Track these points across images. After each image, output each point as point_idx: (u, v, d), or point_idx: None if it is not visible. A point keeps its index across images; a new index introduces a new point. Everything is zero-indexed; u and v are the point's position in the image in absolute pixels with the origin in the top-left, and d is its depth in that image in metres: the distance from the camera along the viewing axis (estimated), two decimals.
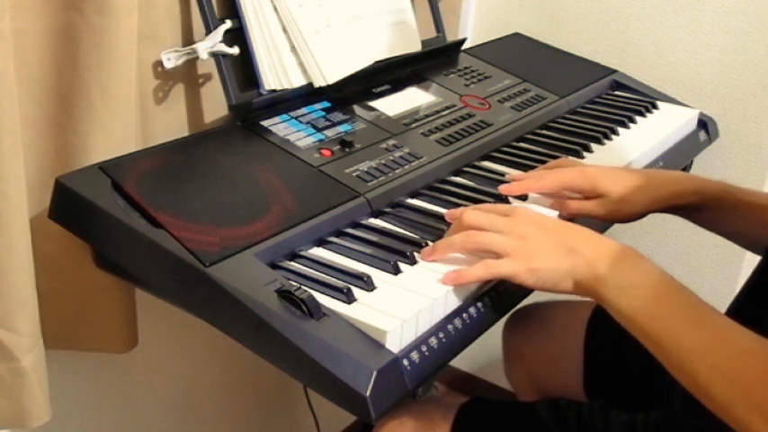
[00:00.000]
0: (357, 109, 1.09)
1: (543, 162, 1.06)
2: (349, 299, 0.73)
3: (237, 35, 0.98)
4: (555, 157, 1.07)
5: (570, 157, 1.07)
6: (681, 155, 1.28)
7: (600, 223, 0.97)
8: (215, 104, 1.04)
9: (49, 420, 0.89)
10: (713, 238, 1.05)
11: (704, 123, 1.37)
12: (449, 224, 0.86)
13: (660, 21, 1.44)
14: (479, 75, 1.31)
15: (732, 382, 0.67)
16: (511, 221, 0.79)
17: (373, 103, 1.12)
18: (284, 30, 1.03)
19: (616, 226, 1.04)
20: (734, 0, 1.36)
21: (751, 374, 0.66)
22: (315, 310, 0.70)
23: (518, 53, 1.47)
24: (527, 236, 0.77)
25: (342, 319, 0.71)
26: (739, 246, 1.04)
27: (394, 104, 1.13)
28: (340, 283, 0.75)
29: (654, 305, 0.72)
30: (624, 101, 1.37)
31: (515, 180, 0.97)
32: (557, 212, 0.94)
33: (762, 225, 0.96)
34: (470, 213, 0.81)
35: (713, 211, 0.98)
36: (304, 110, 1.05)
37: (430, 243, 0.83)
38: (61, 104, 0.86)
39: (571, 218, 0.94)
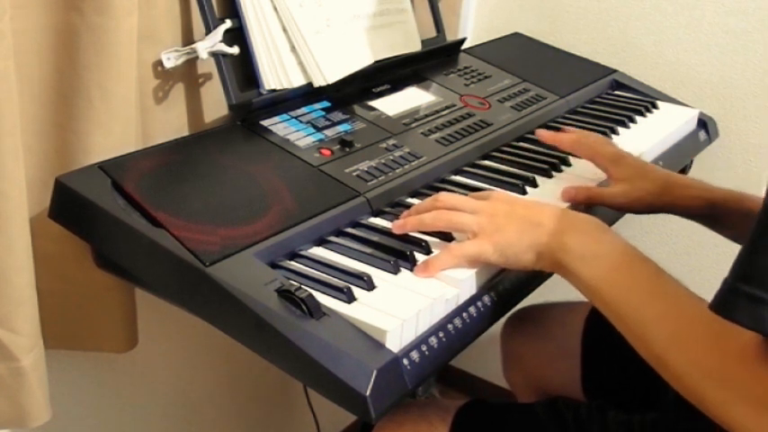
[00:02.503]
0: (357, 109, 1.09)
1: (543, 162, 1.06)
2: (349, 298, 0.73)
3: (237, 35, 0.98)
4: (555, 157, 1.07)
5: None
6: (681, 154, 1.28)
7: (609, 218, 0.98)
8: (215, 104, 1.04)
9: (49, 420, 0.89)
10: (713, 238, 1.05)
11: (704, 123, 1.37)
12: None
13: (660, 21, 1.44)
14: (479, 74, 1.31)
15: (686, 350, 0.67)
16: (483, 203, 0.81)
17: (373, 103, 1.12)
18: (284, 29, 1.03)
19: (616, 225, 1.04)
20: (734, 0, 1.36)
21: (702, 342, 0.66)
22: (315, 310, 0.70)
23: (518, 53, 1.47)
24: (495, 213, 0.79)
25: (342, 319, 0.71)
26: None
27: (394, 104, 1.13)
28: (340, 283, 0.75)
29: (615, 275, 0.73)
30: (624, 101, 1.37)
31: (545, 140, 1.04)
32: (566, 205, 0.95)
33: None
34: (446, 195, 0.84)
35: (725, 220, 1.00)
36: (304, 109, 1.05)
37: (429, 242, 0.83)
38: (61, 104, 0.86)
39: (586, 204, 0.96)
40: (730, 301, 0.61)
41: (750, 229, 0.60)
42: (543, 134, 1.04)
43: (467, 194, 0.86)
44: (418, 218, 0.83)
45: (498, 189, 0.97)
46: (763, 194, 0.63)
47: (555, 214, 0.79)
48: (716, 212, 0.99)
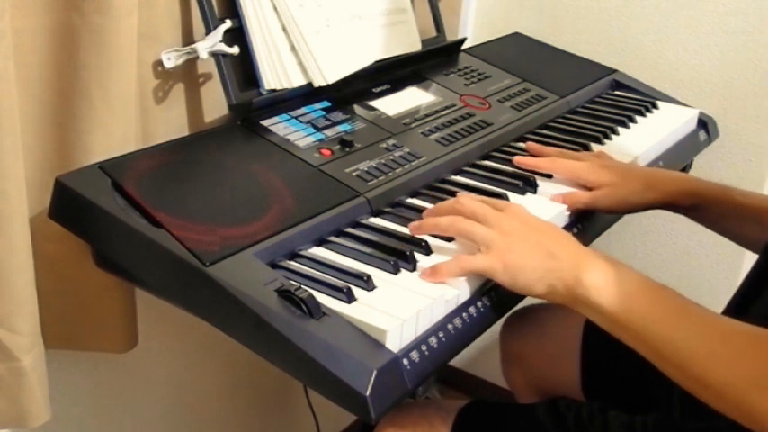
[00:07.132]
0: (357, 109, 1.09)
1: None
2: (349, 298, 0.73)
3: (237, 35, 0.98)
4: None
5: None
6: (681, 154, 1.28)
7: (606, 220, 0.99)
8: (215, 104, 1.04)
9: (49, 420, 0.89)
10: (713, 237, 1.05)
11: (704, 123, 1.37)
12: None
13: (660, 21, 1.44)
14: (479, 74, 1.31)
15: (728, 364, 0.67)
16: (501, 215, 0.80)
17: (373, 103, 1.12)
18: (284, 29, 1.03)
19: (616, 225, 1.04)
20: (734, 0, 1.36)
21: (743, 353, 0.66)
22: (315, 310, 0.70)
23: (518, 53, 1.47)
24: (511, 232, 0.78)
25: (342, 319, 0.71)
26: (738, 245, 1.05)
27: (394, 104, 1.13)
28: (340, 283, 0.75)
29: (637, 302, 0.73)
30: (624, 100, 1.37)
31: (532, 153, 1.05)
32: (564, 206, 0.95)
33: (759, 226, 0.97)
34: (467, 199, 0.83)
35: (711, 212, 1.01)
36: (304, 109, 1.05)
37: (429, 243, 0.83)
38: (61, 104, 0.86)
39: (576, 210, 0.96)
40: None
41: None
42: (522, 161, 1.03)
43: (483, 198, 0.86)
44: (434, 221, 0.82)
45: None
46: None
47: (569, 246, 0.77)
48: (701, 205, 1.00)
